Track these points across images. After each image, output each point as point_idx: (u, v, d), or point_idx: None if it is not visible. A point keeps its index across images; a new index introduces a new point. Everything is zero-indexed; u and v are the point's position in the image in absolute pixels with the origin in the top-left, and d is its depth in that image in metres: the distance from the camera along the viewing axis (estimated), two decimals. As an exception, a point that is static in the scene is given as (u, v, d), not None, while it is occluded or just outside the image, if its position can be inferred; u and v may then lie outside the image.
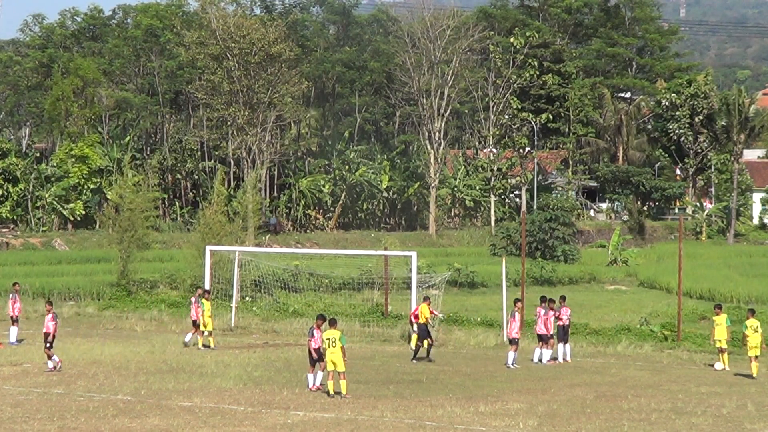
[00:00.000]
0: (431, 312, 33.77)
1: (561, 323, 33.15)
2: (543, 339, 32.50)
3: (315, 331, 25.54)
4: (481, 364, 32.02)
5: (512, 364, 31.22)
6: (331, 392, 24.67)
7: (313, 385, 25.74)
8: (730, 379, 29.49)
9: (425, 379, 28.32)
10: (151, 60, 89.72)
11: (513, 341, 31.53)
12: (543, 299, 33.39)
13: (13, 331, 35.30)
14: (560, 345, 33.11)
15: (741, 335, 30.85)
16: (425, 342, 32.95)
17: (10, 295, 36.37)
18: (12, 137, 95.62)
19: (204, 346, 34.59)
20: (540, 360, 32.35)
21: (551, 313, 32.62)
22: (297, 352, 33.77)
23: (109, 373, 28.26)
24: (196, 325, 35.10)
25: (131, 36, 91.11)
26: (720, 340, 31.62)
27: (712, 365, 32.03)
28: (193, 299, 35.83)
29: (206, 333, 35.09)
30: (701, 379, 29.43)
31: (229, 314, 41.45)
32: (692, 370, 31.78)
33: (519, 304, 32.71)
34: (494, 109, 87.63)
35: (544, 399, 25.08)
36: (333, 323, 25.26)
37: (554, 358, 32.77)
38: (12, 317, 35.59)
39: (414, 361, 32.52)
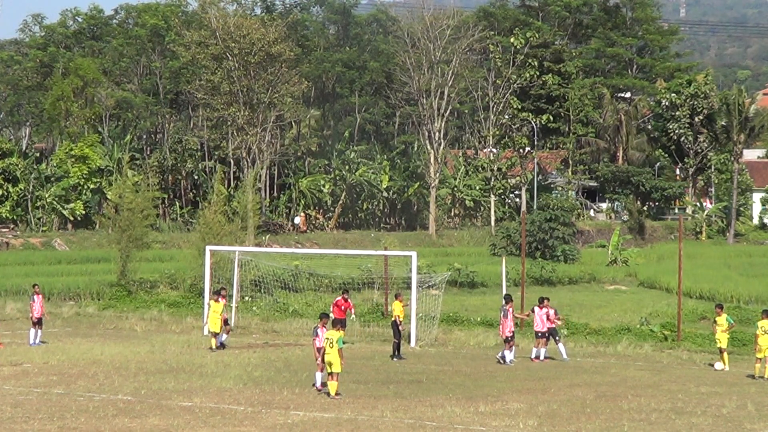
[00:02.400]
0: (402, 309, 34.24)
1: (560, 323, 33.36)
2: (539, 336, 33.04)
3: (319, 330, 25.51)
4: (481, 364, 32.01)
5: (510, 361, 31.41)
6: (332, 393, 24.67)
7: (320, 384, 25.69)
8: (730, 379, 29.45)
9: (425, 379, 28.30)
10: (154, 60, 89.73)
11: (507, 340, 31.72)
12: (541, 300, 33.89)
13: (32, 333, 35.10)
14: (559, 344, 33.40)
15: (745, 335, 30.75)
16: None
17: (32, 297, 36.04)
18: (12, 137, 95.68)
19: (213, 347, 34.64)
20: (538, 357, 32.76)
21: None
22: (297, 352, 33.79)
23: (109, 373, 28.24)
24: (227, 323, 35.62)
25: (136, 35, 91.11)
26: (720, 340, 31.63)
27: (712, 365, 32.03)
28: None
29: (208, 333, 35.09)
30: (701, 379, 29.40)
31: (229, 314, 41.41)
32: (692, 370, 31.75)
33: (511, 304, 32.74)
34: (494, 109, 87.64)
35: (544, 399, 25.06)
36: (334, 324, 25.26)
37: (550, 357, 33.05)
38: (33, 319, 35.36)
39: (394, 359, 32.78)
